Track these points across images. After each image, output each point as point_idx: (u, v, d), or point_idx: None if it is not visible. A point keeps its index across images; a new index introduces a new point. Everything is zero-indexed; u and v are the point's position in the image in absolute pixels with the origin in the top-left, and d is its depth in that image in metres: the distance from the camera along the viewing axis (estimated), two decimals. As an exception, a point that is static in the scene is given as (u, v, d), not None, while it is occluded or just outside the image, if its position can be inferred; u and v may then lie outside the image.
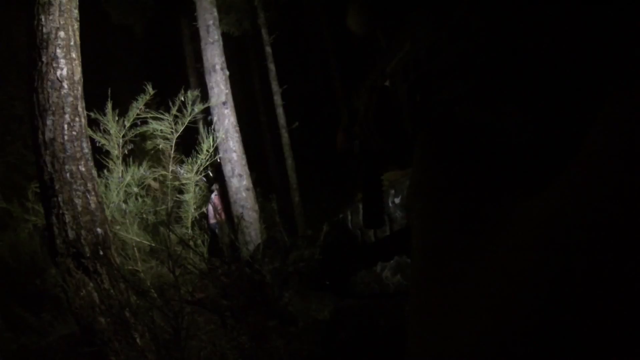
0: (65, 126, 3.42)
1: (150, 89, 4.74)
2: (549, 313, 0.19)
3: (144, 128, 4.94)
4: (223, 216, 7.08)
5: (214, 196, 7.99)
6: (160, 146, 5.11)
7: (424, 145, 0.38)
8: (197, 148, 5.13)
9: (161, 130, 4.98)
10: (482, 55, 0.30)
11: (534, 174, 0.29)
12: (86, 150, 3.52)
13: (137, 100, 4.83)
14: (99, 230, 3.37)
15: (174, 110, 4.87)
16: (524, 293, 0.21)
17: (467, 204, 0.30)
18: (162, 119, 4.90)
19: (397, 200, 4.18)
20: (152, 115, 4.91)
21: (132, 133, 4.84)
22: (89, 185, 3.44)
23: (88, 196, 3.41)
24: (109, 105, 4.59)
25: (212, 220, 6.90)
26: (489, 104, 0.32)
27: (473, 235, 0.27)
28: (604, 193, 0.20)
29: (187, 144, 5.65)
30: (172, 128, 4.92)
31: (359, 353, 3.48)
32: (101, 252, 3.27)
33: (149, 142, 5.63)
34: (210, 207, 7.21)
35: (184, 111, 4.92)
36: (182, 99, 4.86)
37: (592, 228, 0.19)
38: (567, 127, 0.25)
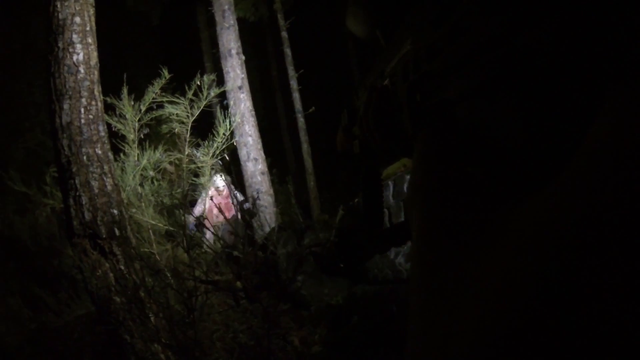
0: (82, 110, 3.46)
1: (166, 73, 4.76)
2: (543, 312, 0.19)
3: (160, 112, 4.97)
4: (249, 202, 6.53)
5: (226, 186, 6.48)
6: (176, 130, 5.13)
7: (423, 146, 0.38)
8: (213, 132, 5.16)
9: (177, 114, 5.01)
10: (482, 55, 0.30)
11: (534, 173, 0.29)
12: (102, 134, 3.56)
13: (153, 84, 4.86)
14: (115, 211, 3.42)
15: (189, 94, 4.89)
16: (520, 292, 0.21)
17: (467, 204, 0.30)
18: (178, 103, 4.93)
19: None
20: (168, 100, 4.94)
21: (148, 117, 4.87)
22: (106, 167, 3.49)
23: (104, 178, 3.46)
24: (125, 89, 4.63)
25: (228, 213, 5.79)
26: (489, 104, 0.32)
27: (473, 235, 0.27)
28: (604, 192, 0.19)
29: (203, 128, 5.67)
30: (188, 112, 4.95)
31: (370, 338, 3.50)
32: (117, 233, 3.32)
33: (164, 126, 5.64)
34: (206, 201, 5.98)
35: (200, 95, 4.95)
36: (198, 83, 4.88)
37: (591, 227, 0.19)
38: (567, 126, 0.25)
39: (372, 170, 0.77)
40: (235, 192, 6.15)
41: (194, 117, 4.99)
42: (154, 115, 4.91)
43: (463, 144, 0.36)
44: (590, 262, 0.18)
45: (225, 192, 6.37)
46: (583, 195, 0.20)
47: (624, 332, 0.17)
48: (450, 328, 0.24)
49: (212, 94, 5.18)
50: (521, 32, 0.26)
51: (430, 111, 0.40)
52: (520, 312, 0.20)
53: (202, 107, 5.01)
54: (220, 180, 6.30)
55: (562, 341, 0.18)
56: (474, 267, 0.25)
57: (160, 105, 4.97)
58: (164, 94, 4.95)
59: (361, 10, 0.62)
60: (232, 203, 5.72)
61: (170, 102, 4.95)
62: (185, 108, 4.94)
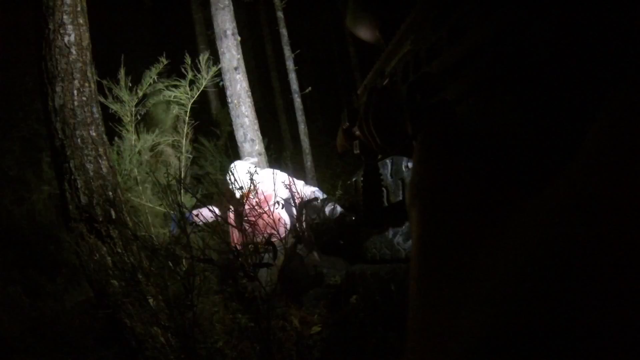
0: (75, 92, 3.43)
1: (163, 60, 4.73)
2: (545, 306, 0.19)
3: (159, 97, 4.96)
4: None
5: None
6: (175, 112, 5.12)
7: (423, 146, 0.38)
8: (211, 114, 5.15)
9: (174, 96, 5.00)
10: (482, 55, 0.30)
11: (535, 173, 0.29)
12: (97, 116, 3.53)
13: (150, 69, 4.84)
14: (111, 194, 3.41)
15: (190, 76, 4.88)
16: (521, 289, 0.21)
17: (468, 204, 0.30)
18: (178, 86, 4.92)
19: (410, 165, 4.15)
20: (167, 84, 4.93)
21: (149, 103, 4.86)
22: (100, 150, 3.46)
23: (100, 161, 3.44)
24: (122, 71, 4.60)
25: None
26: (489, 103, 0.31)
27: (475, 234, 0.27)
28: (603, 191, 0.19)
29: (197, 110, 5.65)
30: (187, 94, 4.94)
31: (370, 318, 3.52)
32: (114, 216, 3.31)
33: (160, 103, 5.61)
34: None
35: (198, 76, 4.94)
36: (197, 61, 4.87)
37: (591, 225, 0.19)
38: (568, 126, 0.25)
39: (373, 171, 0.78)
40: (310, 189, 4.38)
41: (193, 99, 4.98)
42: (154, 102, 4.90)
43: (463, 143, 0.36)
44: (589, 264, 0.19)
45: (267, 193, 3.70)
46: (583, 194, 0.20)
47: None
48: (449, 330, 0.24)
49: (211, 74, 5.16)
50: (521, 32, 0.26)
51: (430, 111, 0.40)
52: (516, 314, 0.20)
53: (202, 88, 5.01)
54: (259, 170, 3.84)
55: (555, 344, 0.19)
56: (474, 268, 0.25)
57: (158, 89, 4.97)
58: (159, 78, 4.94)
59: (361, 10, 0.61)
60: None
61: (169, 86, 4.94)
62: (185, 90, 4.93)
